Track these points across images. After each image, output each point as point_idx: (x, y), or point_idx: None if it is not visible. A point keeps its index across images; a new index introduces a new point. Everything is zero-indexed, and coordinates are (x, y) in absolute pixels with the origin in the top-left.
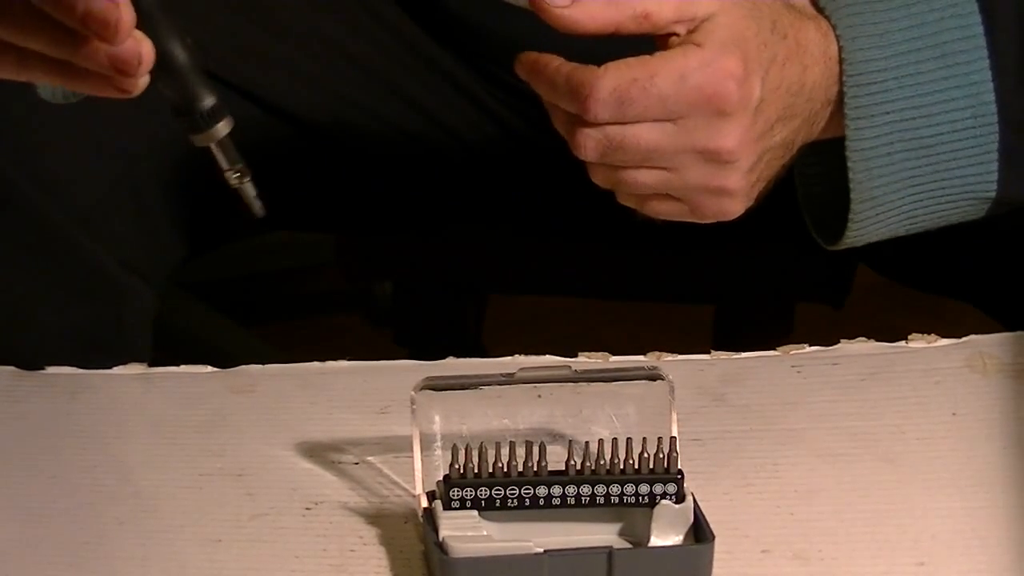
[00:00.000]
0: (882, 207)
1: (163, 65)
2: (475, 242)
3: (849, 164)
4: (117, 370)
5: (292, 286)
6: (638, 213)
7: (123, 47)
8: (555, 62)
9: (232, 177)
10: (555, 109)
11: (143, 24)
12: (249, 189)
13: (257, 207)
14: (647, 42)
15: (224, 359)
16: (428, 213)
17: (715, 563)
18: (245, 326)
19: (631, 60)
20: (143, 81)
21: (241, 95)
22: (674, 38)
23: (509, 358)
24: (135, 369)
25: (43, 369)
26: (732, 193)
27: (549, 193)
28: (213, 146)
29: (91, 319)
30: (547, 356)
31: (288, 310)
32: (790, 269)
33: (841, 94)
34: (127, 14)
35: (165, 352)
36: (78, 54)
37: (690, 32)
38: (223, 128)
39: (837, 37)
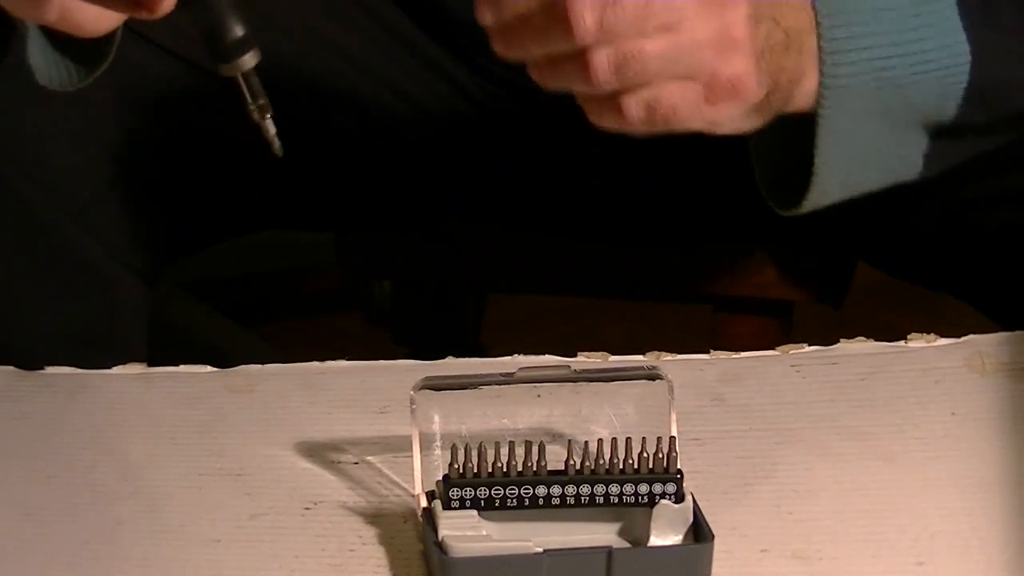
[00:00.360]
0: (845, 137)
1: None
2: (475, 241)
3: (820, 100)
4: (117, 370)
5: (292, 286)
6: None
7: None
8: None
9: (254, 112)
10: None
11: None
12: (270, 126)
13: (276, 145)
14: None
15: (223, 359)
16: (427, 209)
17: (714, 563)
18: (245, 326)
19: None
20: (170, 2)
21: None
22: None
23: (509, 358)
24: (135, 369)
25: (43, 369)
26: (739, 44)
27: (548, 189)
28: (239, 77)
29: (83, 313)
30: (546, 356)
31: (288, 310)
32: (790, 269)
33: (818, 36)
34: None
35: (164, 352)
36: None
37: None
38: (250, 60)
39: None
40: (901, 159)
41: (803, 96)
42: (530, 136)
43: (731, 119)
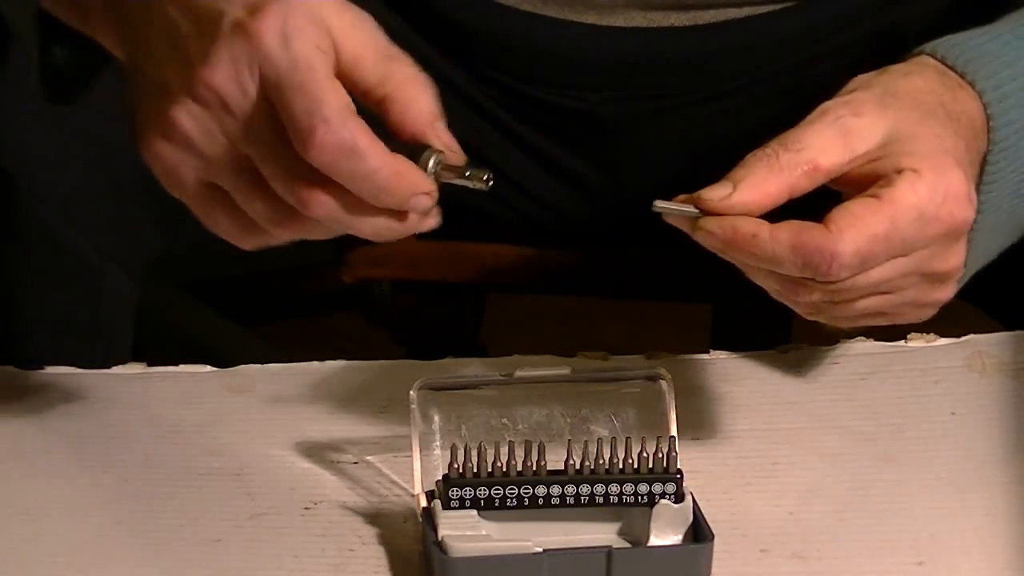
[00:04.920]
0: (982, 247)
1: None
2: (474, 241)
3: (973, 234)
4: (117, 370)
5: (292, 286)
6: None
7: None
8: (763, 231)
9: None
10: (753, 269)
11: None
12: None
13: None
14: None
15: (223, 358)
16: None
17: (714, 562)
18: (245, 326)
19: (858, 209)
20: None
21: None
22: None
23: (509, 358)
24: (135, 369)
25: (42, 369)
26: (940, 303)
27: (546, 191)
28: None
29: (68, 303)
30: (547, 356)
31: (288, 310)
32: None
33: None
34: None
35: (163, 351)
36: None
37: (886, 160)
38: (476, 180)
39: (985, 104)
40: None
41: None
42: (528, 136)
43: None
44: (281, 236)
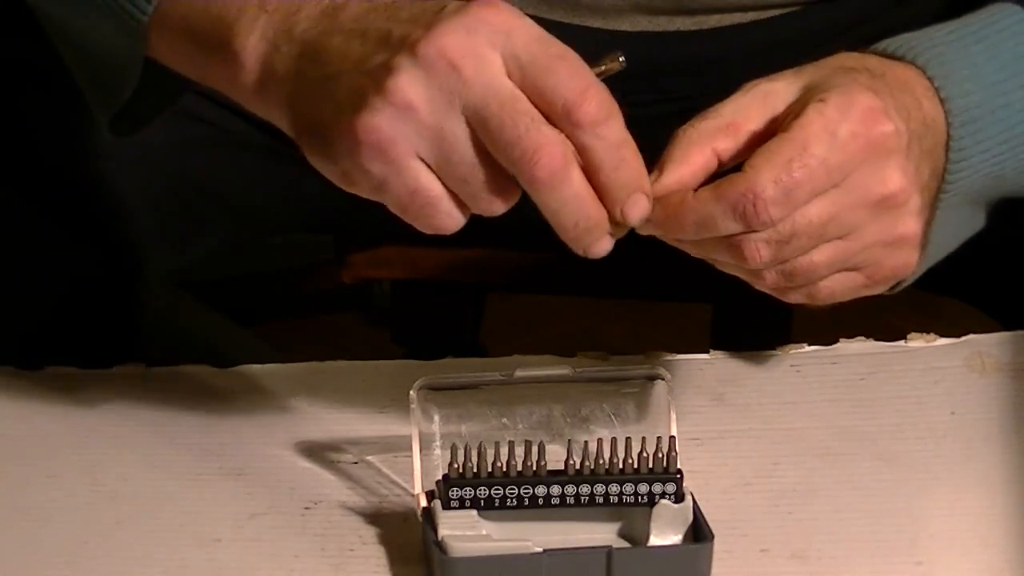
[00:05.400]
0: (953, 225)
1: None
2: (474, 242)
3: (939, 205)
4: (117, 370)
5: (292, 286)
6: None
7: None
8: (688, 196)
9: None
10: (703, 245)
11: None
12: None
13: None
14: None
15: (223, 359)
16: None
17: (714, 562)
18: (244, 326)
19: (770, 145)
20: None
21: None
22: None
23: (509, 358)
24: (135, 369)
25: (43, 369)
26: (909, 240)
27: None
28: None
29: (69, 304)
30: (547, 356)
31: (288, 310)
32: None
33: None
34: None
35: (164, 352)
36: None
37: (798, 107)
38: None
39: (930, 78)
40: (978, 224)
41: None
42: None
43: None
44: (488, 205)
